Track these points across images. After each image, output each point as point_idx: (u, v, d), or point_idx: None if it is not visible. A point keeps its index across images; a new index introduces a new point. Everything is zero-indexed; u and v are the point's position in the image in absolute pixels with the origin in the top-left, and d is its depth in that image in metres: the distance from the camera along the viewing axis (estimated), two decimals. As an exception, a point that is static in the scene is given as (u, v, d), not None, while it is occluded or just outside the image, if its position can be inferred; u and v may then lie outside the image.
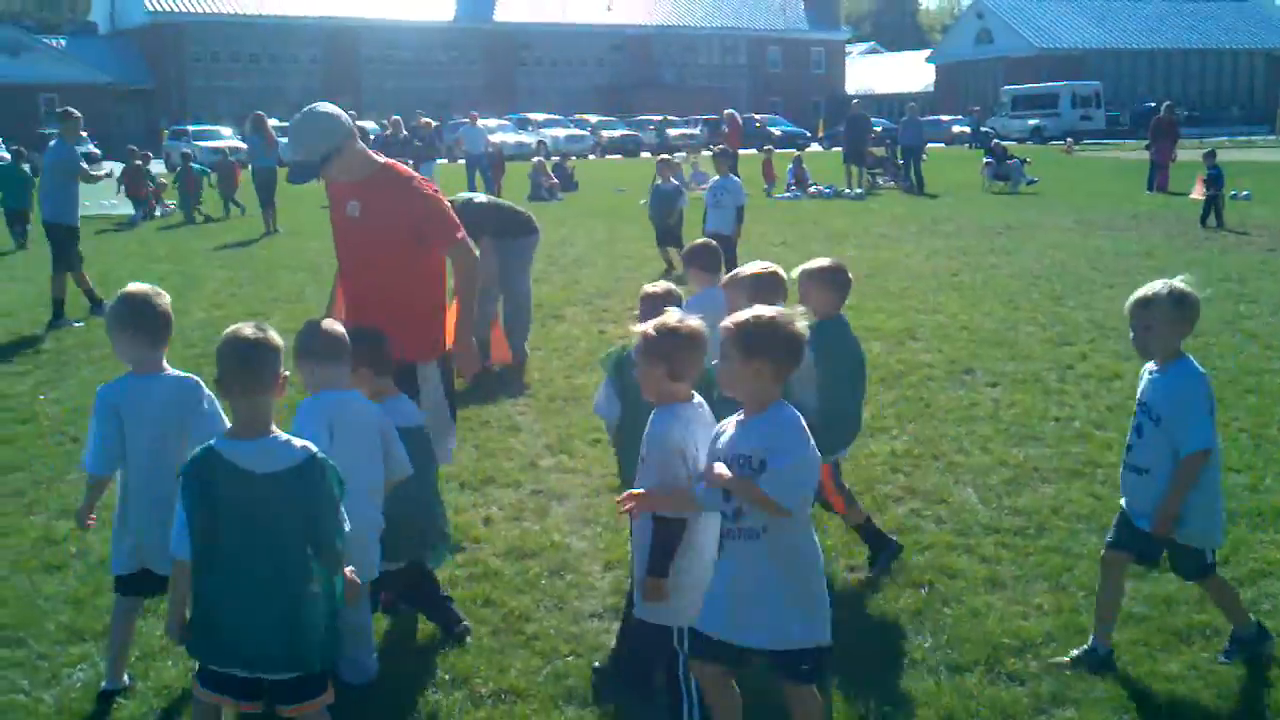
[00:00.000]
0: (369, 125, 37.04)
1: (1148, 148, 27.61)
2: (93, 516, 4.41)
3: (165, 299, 4.39)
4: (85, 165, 12.98)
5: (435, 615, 4.92)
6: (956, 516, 6.14)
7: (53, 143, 13.14)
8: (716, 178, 14.17)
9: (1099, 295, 12.35)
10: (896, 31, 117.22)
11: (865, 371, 5.60)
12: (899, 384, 8.82)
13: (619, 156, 53.35)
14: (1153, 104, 28.77)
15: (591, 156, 51.54)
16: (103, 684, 4.41)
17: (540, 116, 57.89)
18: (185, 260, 16.78)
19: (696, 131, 54.06)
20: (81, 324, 11.62)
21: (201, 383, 4.36)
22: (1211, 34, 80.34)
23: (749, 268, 5.09)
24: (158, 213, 24.58)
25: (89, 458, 4.34)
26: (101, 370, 9.71)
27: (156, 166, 31.90)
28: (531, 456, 7.25)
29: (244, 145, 47.05)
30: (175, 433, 4.24)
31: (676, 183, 16.09)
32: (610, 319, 11.73)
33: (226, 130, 50.27)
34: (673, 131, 56.02)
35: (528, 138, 51.71)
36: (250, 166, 23.13)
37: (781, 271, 5.06)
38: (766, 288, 4.81)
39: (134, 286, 4.41)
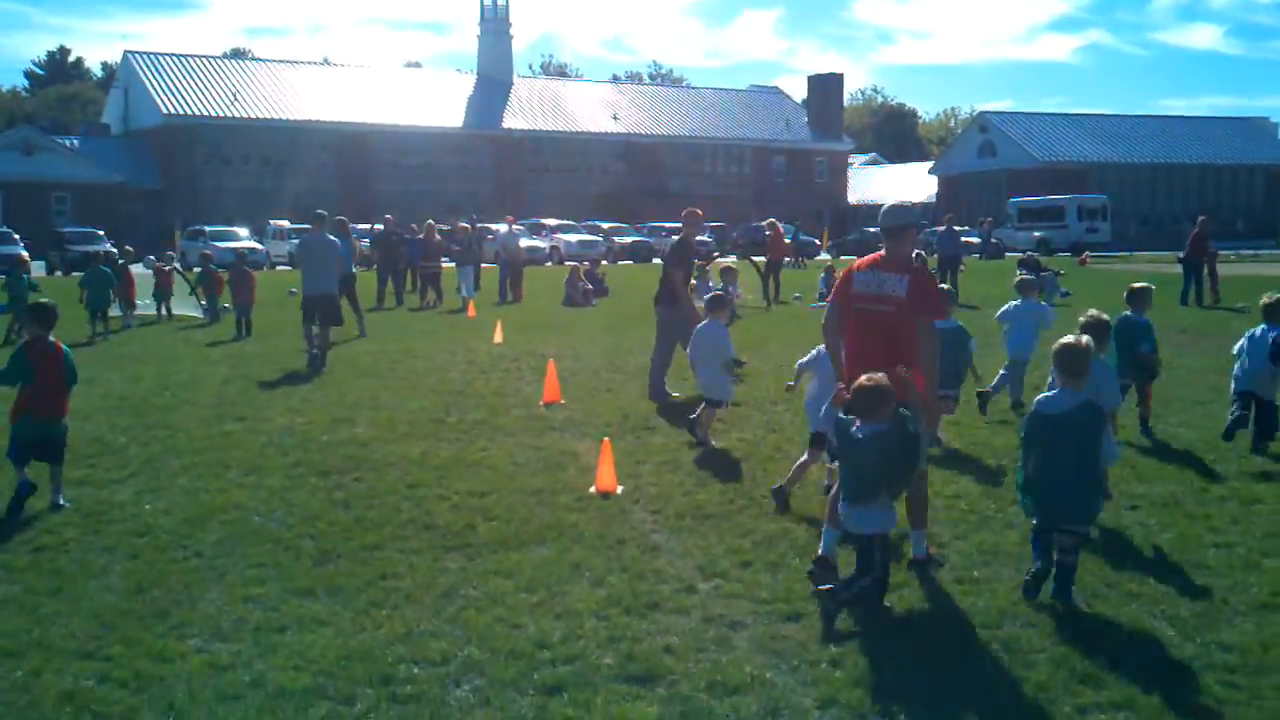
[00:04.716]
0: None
1: (1180, 260, 27.72)
2: None
3: None
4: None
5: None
6: (1164, 652, 5.83)
7: (308, 235, 17.25)
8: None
9: (1195, 413, 12.12)
10: (897, 144, 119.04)
11: None
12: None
13: (630, 262, 53.59)
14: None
15: (604, 262, 51.69)
16: None
17: (553, 222, 58.22)
18: (242, 364, 16.52)
19: (709, 238, 54.36)
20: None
21: None
22: (1212, 149, 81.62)
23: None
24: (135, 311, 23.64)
25: None
26: (198, 477, 9.43)
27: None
28: (686, 580, 6.93)
29: (260, 247, 47.80)
30: None
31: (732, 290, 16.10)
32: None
33: (243, 231, 50.51)
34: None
35: (541, 243, 51.99)
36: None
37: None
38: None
39: None
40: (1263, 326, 10.50)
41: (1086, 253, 47.08)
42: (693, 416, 11.01)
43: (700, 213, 14.04)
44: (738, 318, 15.07)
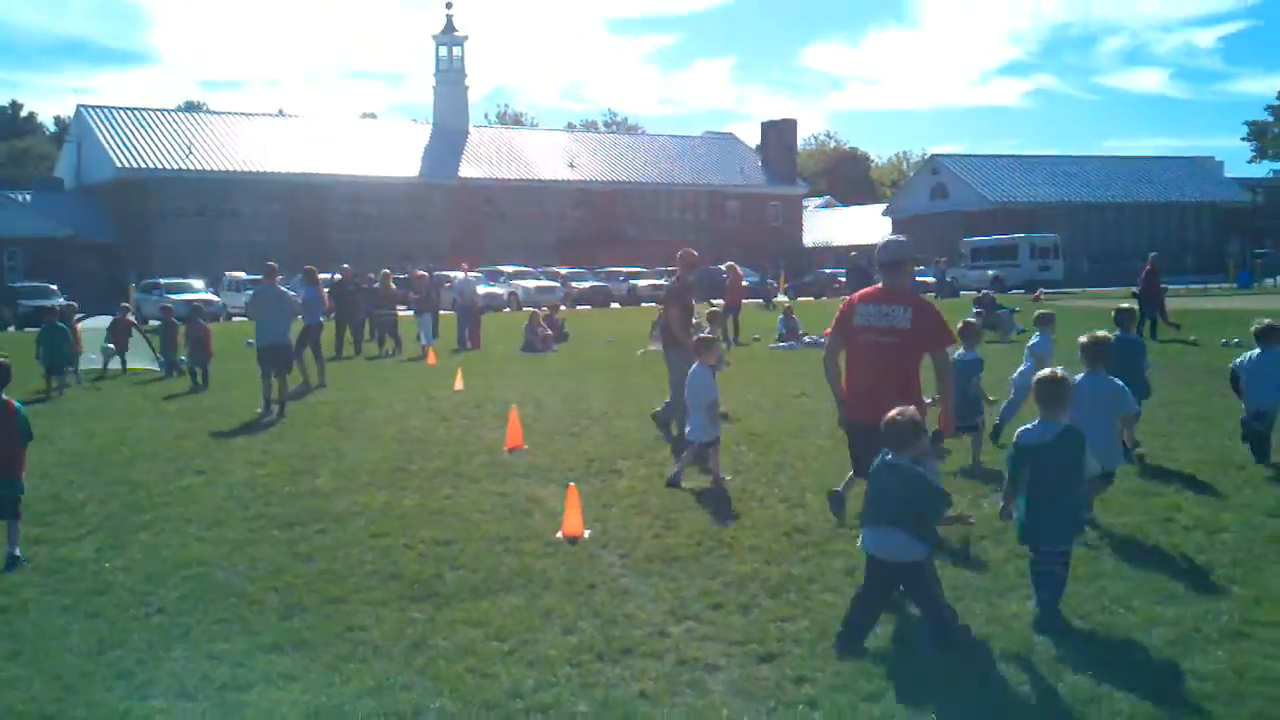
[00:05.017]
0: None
1: (1136, 296, 28.05)
2: None
3: None
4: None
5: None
6: (1139, 684, 5.81)
7: (260, 286, 17.87)
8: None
9: (1154, 445, 12.18)
10: (849, 187, 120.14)
11: None
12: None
13: (588, 307, 53.59)
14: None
15: (563, 308, 51.66)
16: None
17: (510, 268, 58.23)
18: (200, 417, 16.32)
19: (662, 282, 54.68)
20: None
21: None
22: (1160, 188, 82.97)
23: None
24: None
25: None
26: (158, 533, 9.27)
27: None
28: (658, 624, 6.86)
29: (216, 298, 47.47)
30: None
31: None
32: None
33: (198, 282, 50.18)
34: (641, 283, 56.62)
35: (499, 289, 51.97)
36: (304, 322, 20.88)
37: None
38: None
39: None
40: (1256, 351, 11.15)
41: (1040, 290, 47.63)
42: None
43: (695, 254, 14.12)
44: (728, 365, 14.97)
